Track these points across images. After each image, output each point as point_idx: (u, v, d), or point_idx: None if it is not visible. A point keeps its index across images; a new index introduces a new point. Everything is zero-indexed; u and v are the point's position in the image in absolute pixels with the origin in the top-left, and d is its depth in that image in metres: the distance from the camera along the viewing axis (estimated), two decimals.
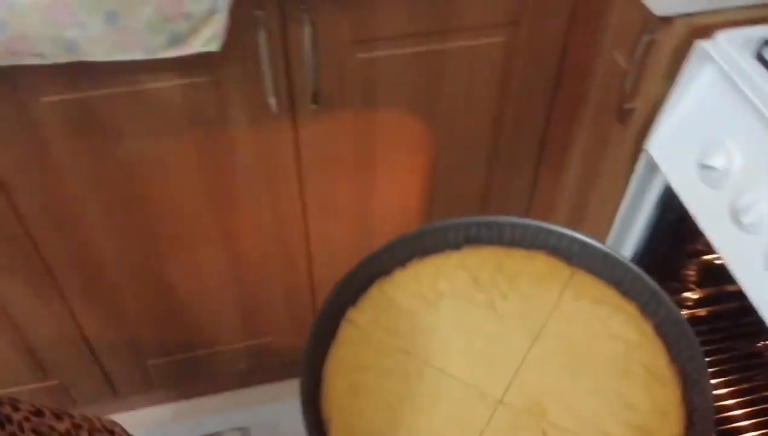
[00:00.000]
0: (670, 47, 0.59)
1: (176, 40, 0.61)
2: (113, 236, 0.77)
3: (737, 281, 0.50)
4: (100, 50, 0.61)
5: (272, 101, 0.67)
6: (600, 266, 0.59)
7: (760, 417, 0.68)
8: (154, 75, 0.65)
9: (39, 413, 0.45)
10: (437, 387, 0.52)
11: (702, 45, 0.55)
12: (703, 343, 0.53)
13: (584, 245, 0.60)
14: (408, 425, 0.49)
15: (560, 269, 0.60)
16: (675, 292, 0.75)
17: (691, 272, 0.76)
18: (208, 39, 0.61)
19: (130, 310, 0.86)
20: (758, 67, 0.51)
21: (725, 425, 0.67)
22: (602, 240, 0.64)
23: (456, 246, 0.62)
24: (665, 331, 0.55)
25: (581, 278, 0.60)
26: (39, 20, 0.58)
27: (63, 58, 0.60)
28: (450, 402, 0.51)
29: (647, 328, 0.56)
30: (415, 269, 0.60)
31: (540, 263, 0.61)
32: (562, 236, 0.60)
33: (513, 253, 0.61)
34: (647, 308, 0.57)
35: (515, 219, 0.61)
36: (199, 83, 0.67)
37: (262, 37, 0.63)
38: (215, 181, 0.73)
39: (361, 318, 0.56)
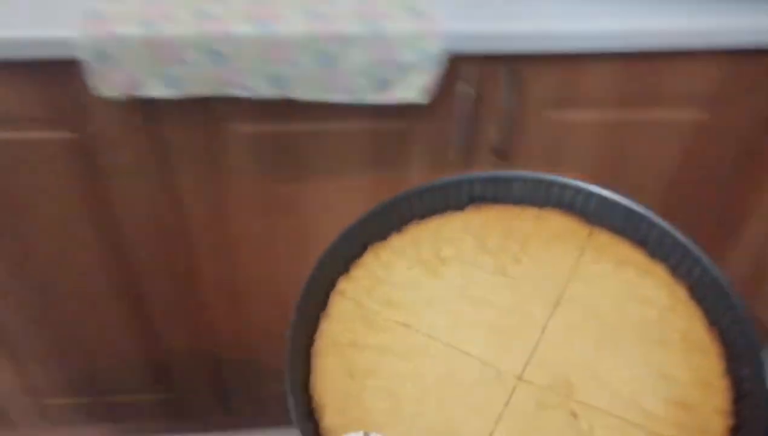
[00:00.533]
0: None
1: (383, 87, 0.62)
2: (263, 260, 0.80)
3: None
4: (306, 89, 0.62)
5: (453, 149, 0.69)
6: (622, 223, 0.52)
7: None
8: (347, 116, 0.66)
9: None
10: (445, 365, 0.44)
11: None
12: None
13: (602, 199, 0.53)
14: (413, 411, 0.42)
15: (577, 229, 0.53)
16: None
17: None
18: (415, 89, 0.62)
19: None
20: None
21: None
22: None
23: (459, 207, 0.54)
24: (702, 294, 0.48)
25: (601, 238, 0.53)
26: (256, 56, 0.60)
27: (268, 93, 0.62)
28: (461, 382, 0.44)
29: (680, 291, 0.49)
30: (413, 233, 0.53)
31: (554, 222, 0.53)
32: (578, 190, 0.53)
33: (523, 212, 0.54)
34: (679, 268, 0.50)
35: (524, 173, 0.54)
36: (389, 129, 0.68)
37: (461, 89, 0.64)
38: None
39: (354, 289, 0.49)
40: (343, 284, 0.49)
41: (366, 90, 0.61)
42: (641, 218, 0.51)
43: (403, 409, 0.42)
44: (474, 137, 0.70)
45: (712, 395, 0.44)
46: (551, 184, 0.54)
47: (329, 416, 0.42)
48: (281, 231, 0.78)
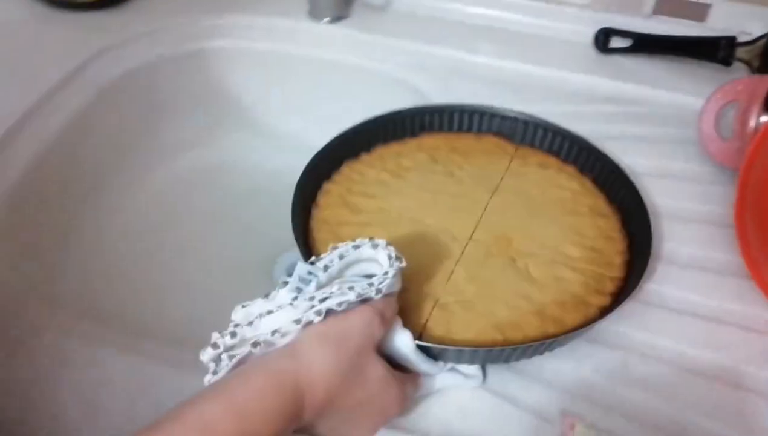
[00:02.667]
0: None
1: None
2: None
3: None
4: None
5: None
6: (541, 139, 0.67)
7: None
8: None
9: None
10: (414, 232, 0.57)
11: None
12: None
13: (525, 122, 0.67)
14: None
15: (506, 146, 0.68)
16: None
17: None
18: None
19: None
20: None
21: None
22: None
23: (413, 133, 0.68)
24: (602, 181, 0.63)
25: (526, 151, 0.67)
26: None
27: None
28: (427, 243, 0.56)
29: (587, 181, 0.64)
30: (379, 152, 0.66)
31: (488, 142, 0.68)
32: (505, 116, 0.68)
33: (463, 136, 0.68)
34: (585, 165, 0.65)
35: (462, 105, 0.68)
36: None
37: None
38: None
39: (336, 189, 0.62)
40: (327, 186, 0.62)
41: None
42: (556, 132, 0.66)
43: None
44: None
45: (614, 243, 0.58)
46: (484, 112, 0.68)
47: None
48: None
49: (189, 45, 0.86)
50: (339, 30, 0.86)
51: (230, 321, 0.43)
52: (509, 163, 0.65)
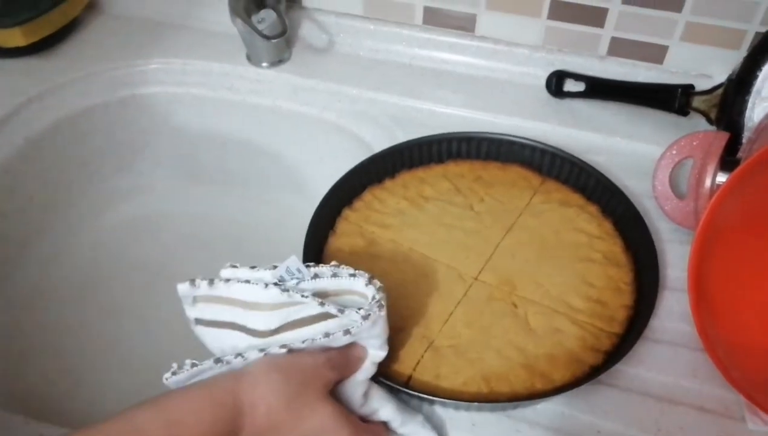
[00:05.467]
0: None
1: None
2: None
3: None
4: None
5: None
6: (567, 174, 0.67)
7: None
8: None
9: None
10: (421, 268, 0.59)
11: None
12: None
13: (554, 155, 0.67)
14: (395, 294, 0.57)
15: (532, 178, 0.68)
16: None
17: None
18: None
19: None
20: None
21: None
22: None
23: (440, 160, 0.69)
24: (623, 226, 0.63)
25: (550, 185, 0.67)
26: None
27: None
28: (432, 279, 0.58)
29: (607, 224, 0.63)
30: (403, 178, 0.68)
31: (513, 173, 0.68)
32: (534, 148, 0.68)
33: (489, 165, 0.69)
34: (608, 207, 0.64)
35: (490, 134, 0.68)
36: None
37: None
38: None
39: (355, 216, 0.64)
40: (347, 212, 0.64)
41: None
42: (582, 169, 0.66)
43: (388, 294, 0.57)
44: None
45: (620, 295, 0.58)
46: (512, 143, 0.68)
47: None
48: None
49: (121, 91, 0.83)
50: (278, 74, 0.82)
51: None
52: (530, 199, 0.66)
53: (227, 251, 0.79)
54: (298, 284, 0.47)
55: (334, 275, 0.48)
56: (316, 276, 0.48)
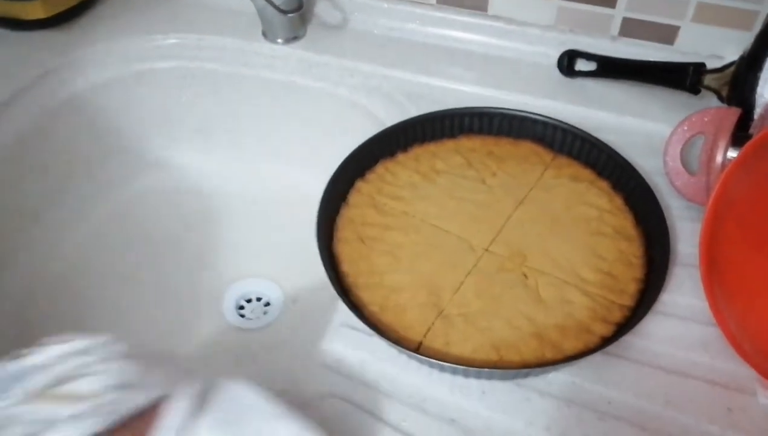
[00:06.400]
0: None
1: None
2: None
3: None
4: None
5: None
6: (579, 150, 0.67)
7: None
8: None
9: None
10: (433, 239, 0.60)
11: None
12: None
13: (565, 131, 0.67)
14: (406, 266, 0.57)
15: (543, 153, 0.68)
16: None
17: None
18: None
19: None
20: None
21: None
22: None
23: (452, 135, 0.69)
24: (634, 201, 0.63)
25: (562, 161, 0.67)
26: None
27: None
28: (443, 250, 0.59)
29: (618, 199, 0.64)
30: (415, 152, 0.68)
31: (525, 148, 0.68)
32: (546, 124, 0.68)
33: (501, 140, 0.69)
34: (619, 182, 0.64)
35: (503, 109, 0.69)
36: None
37: None
38: None
39: (367, 188, 0.64)
40: (359, 184, 0.65)
41: None
42: (594, 145, 0.66)
43: (399, 264, 0.57)
44: None
45: (631, 269, 0.58)
46: (524, 118, 0.68)
47: (344, 265, 0.57)
48: None
49: (138, 65, 0.84)
50: (293, 51, 0.83)
51: None
52: (542, 174, 0.66)
53: (241, 223, 0.80)
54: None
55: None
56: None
